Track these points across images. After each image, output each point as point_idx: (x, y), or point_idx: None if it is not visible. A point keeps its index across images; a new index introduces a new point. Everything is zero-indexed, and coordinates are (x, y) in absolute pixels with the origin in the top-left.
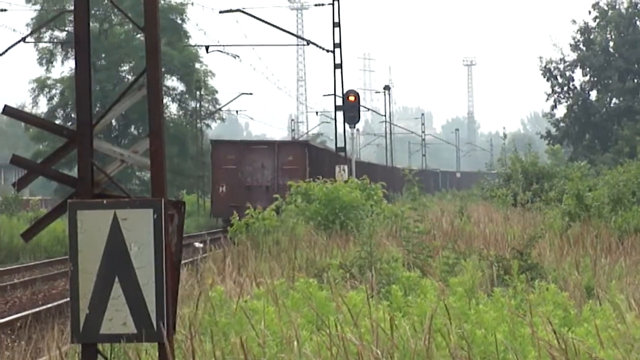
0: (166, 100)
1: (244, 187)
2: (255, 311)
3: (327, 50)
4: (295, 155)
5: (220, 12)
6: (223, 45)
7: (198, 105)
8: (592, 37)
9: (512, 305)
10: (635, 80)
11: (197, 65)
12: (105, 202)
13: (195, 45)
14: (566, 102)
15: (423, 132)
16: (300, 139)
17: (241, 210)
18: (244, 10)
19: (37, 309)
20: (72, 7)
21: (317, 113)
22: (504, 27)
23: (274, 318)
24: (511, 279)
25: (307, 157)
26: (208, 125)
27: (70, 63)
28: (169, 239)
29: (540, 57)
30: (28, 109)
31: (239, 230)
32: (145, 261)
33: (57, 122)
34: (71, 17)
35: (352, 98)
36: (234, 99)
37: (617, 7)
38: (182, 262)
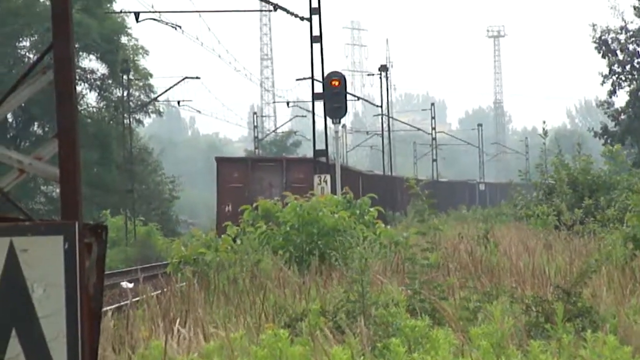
0: (82, 87)
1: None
2: None
3: (302, 18)
4: (305, 172)
5: None
6: (159, 12)
7: (126, 94)
8: None
9: None
10: None
11: (124, 40)
12: None
13: (121, 12)
14: (629, 85)
15: (433, 128)
16: (266, 138)
17: None
18: None
19: None
20: None
21: (288, 104)
22: None
23: None
24: (554, 328)
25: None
26: (139, 122)
27: None
28: (85, 276)
29: (594, 25)
30: None
31: (185, 262)
32: (54, 308)
33: None
34: None
35: (336, 83)
36: (175, 85)
37: None
38: (104, 308)
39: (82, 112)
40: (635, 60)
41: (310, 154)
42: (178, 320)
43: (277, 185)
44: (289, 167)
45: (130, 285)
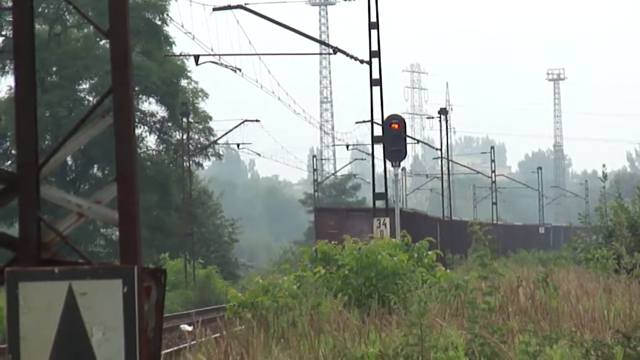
0: (141, 130)
1: None
2: None
3: (362, 61)
4: (391, 220)
5: (215, 9)
6: (219, 55)
7: (185, 136)
8: None
9: None
10: None
11: (184, 83)
12: (57, 270)
13: (180, 55)
14: None
15: (493, 171)
16: (326, 181)
17: None
18: (247, 6)
19: None
20: (9, 4)
21: (347, 147)
22: (601, 28)
23: None
24: None
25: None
26: (199, 164)
27: (9, 80)
28: (144, 320)
29: None
30: None
31: (243, 307)
32: (113, 351)
33: None
34: (9, 17)
35: (395, 126)
36: (234, 128)
37: None
38: (163, 351)
39: (142, 154)
40: None
41: (369, 197)
42: None
43: (367, 231)
44: (377, 216)
45: (190, 328)
